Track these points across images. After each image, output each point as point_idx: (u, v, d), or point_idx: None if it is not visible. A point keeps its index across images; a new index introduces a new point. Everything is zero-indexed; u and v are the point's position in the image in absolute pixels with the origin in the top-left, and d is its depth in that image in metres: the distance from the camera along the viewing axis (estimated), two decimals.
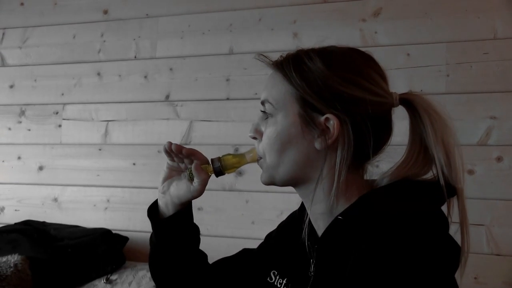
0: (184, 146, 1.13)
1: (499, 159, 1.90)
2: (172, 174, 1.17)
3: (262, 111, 1.02)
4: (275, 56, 1.02)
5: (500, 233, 1.88)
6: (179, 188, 1.12)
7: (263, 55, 1.02)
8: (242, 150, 2.18)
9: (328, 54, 0.96)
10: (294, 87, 0.95)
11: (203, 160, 1.13)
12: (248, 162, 1.10)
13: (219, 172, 1.11)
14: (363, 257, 0.81)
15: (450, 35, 1.99)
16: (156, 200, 1.17)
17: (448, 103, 1.93)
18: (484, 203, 1.89)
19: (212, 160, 1.12)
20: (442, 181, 0.90)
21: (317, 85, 0.93)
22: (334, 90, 0.92)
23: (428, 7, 2.03)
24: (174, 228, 1.13)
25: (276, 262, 1.13)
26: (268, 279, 1.11)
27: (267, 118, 1.00)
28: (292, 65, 0.96)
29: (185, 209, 1.14)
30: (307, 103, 0.94)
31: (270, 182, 1.02)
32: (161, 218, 1.14)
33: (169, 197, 1.13)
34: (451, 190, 0.91)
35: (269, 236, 1.25)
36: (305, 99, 0.94)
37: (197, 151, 1.13)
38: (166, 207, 1.14)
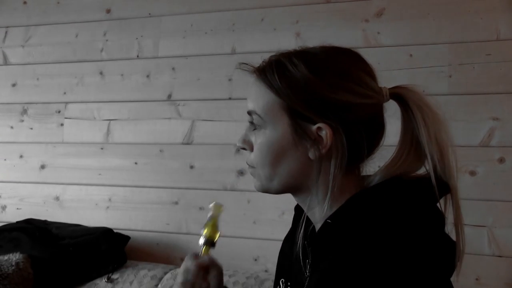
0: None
1: (501, 160, 1.89)
2: None
3: (249, 121, 0.99)
4: None
5: (502, 235, 1.87)
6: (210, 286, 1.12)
7: (244, 63, 1.00)
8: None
9: (312, 58, 0.93)
10: (281, 97, 0.92)
11: (195, 255, 1.14)
12: (219, 216, 1.18)
13: (212, 243, 1.16)
14: (351, 260, 0.80)
15: (452, 36, 1.98)
16: None
17: (450, 104, 1.93)
18: (486, 204, 1.89)
19: (199, 243, 1.16)
20: (433, 180, 0.88)
21: (304, 94, 0.90)
22: (323, 98, 0.89)
23: (431, 8, 2.02)
24: None
25: (283, 270, 1.13)
26: (278, 287, 1.12)
27: (255, 129, 0.97)
28: (276, 74, 0.93)
29: None
30: (296, 113, 0.91)
31: (264, 191, 1.00)
32: None
33: None
34: (444, 187, 0.89)
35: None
36: (294, 109, 0.91)
37: (188, 259, 1.13)
38: None
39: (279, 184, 0.96)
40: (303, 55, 0.94)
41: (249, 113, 0.98)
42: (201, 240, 1.15)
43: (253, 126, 0.98)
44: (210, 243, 1.15)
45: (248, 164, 1.01)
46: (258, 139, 0.96)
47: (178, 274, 1.13)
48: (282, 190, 0.98)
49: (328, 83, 0.89)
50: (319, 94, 0.89)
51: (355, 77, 0.91)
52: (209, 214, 1.17)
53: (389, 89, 0.94)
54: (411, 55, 2.01)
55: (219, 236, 1.17)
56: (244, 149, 1.01)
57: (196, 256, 1.13)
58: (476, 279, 1.86)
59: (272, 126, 0.94)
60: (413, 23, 2.04)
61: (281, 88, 0.91)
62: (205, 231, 1.16)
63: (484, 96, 1.93)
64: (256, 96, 0.97)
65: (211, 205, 1.17)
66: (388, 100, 0.94)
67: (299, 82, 0.90)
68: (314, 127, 0.90)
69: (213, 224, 1.16)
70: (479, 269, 1.87)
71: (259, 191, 1.01)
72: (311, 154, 0.92)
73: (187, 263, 1.11)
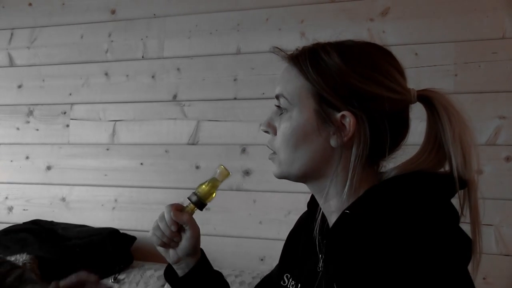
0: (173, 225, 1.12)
1: (507, 159, 1.88)
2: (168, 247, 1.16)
3: (276, 105, 1.00)
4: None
5: (509, 233, 1.87)
6: (181, 246, 1.13)
7: (278, 48, 1.00)
8: (250, 149, 2.18)
9: (346, 49, 0.95)
10: (310, 82, 0.93)
11: (178, 206, 1.13)
12: (221, 182, 1.12)
13: (201, 205, 1.11)
14: (369, 252, 0.80)
15: (458, 34, 1.98)
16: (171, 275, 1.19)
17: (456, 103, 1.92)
18: (493, 203, 1.88)
19: (188, 198, 1.12)
20: (455, 174, 0.89)
21: (334, 81, 0.91)
22: (352, 87, 0.90)
23: (436, 6, 2.02)
24: (199, 276, 1.16)
25: (288, 265, 1.13)
26: (282, 282, 1.11)
27: (281, 113, 0.98)
28: (308, 60, 0.94)
29: (201, 260, 1.17)
30: (323, 99, 0.92)
31: (283, 177, 1.00)
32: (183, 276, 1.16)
33: (185, 258, 1.14)
34: (462, 184, 0.90)
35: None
36: (321, 95, 0.92)
37: (168, 206, 1.13)
38: (187, 268, 1.15)
39: (299, 170, 0.97)
40: (337, 45, 0.97)
41: (277, 97, 0.99)
42: (192, 196, 1.11)
43: (280, 110, 0.99)
44: (199, 203, 1.11)
45: (269, 147, 1.02)
46: (283, 123, 0.97)
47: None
48: (301, 176, 0.98)
49: (358, 73, 0.91)
50: (348, 83, 0.91)
51: (385, 71, 0.93)
52: (213, 175, 1.13)
53: (417, 91, 0.95)
54: (416, 54, 2.01)
55: (211, 199, 1.12)
56: (267, 132, 1.02)
57: (177, 206, 1.12)
58: (484, 278, 1.86)
59: (298, 110, 0.95)
60: (418, 21, 2.03)
61: (311, 73, 0.93)
62: (200, 188, 1.12)
63: (490, 95, 1.92)
64: (286, 80, 0.98)
65: (219, 169, 1.13)
66: (416, 101, 0.95)
67: (329, 69, 0.92)
68: (339, 115, 0.91)
69: (212, 186, 1.11)
70: (486, 268, 1.86)
71: (277, 177, 1.01)
72: (333, 142, 0.93)
73: (164, 211, 1.12)
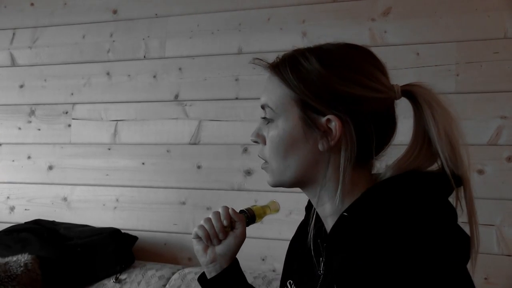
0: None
1: (509, 158, 1.88)
2: (206, 246, 1.17)
3: (263, 116, 1.01)
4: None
5: (510, 234, 1.86)
6: (224, 243, 1.15)
7: (258, 59, 1.02)
8: (251, 149, 2.19)
9: (325, 53, 0.95)
10: (293, 90, 0.94)
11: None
12: (270, 212, 1.26)
13: (251, 219, 1.21)
14: (369, 253, 0.80)
15: (460, 34, 1.98)
16: (202, 276, 1.20)
17: (457, 102, 1.91)
18: (495, 203, 1.88)
19: (245, 209, 1.22)
20: (447, 171, 0.89)
21: (315, 86, 0.92)
22: (334, 91, 0.91)
23: (438, 6, 2.02)
24: (232, 276, 1.17)
25: (291, 272, 1.14)
26: None
27: (268, 122, 0.99)
28: (288, 68, 0.95)
29: (235, 263, 1.19)
30: (307, 105, 0.93)
31: (277, 185, 1.01)
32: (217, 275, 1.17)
33: (221, 258, 1.15)
34: (457, 180, 0.90)
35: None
36: (305, 101, 0.93)
37: (224, 206, 1.19)
38: (220, 269, 1.16)
39: (291, 177, 0.98)
40: (316, 50, 0.96)
41: (263, 107, 1.00)
42: (245, 209, 1.21)
43: (266, 120, 1.00)
44: (250, 214, 1.20)
45: (260, 157, 1.03)
46: (270, 132, 0.98)
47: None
48: (294, 182, 0.99)
49: (338, 76, 0.91)
50: (329, 87, 0.91)
51: (366, 72, 0.93)
52: (266, 204, 1.26)
53: (401, 86, 0.95)
54: (418, 54, 2.01)
55: (258, 222, 1.22)
56: (256, 142, 1.03)
57: (232, 209, 1.17)
58: (485, 278, 1.85)
59: (284, 119, 0.96)
60: (419, 21, 2.03)
61: (292, 80, 0.94)
62: (254, 207, 1.23)
63: (491, 95, 1.92)
64: (269, 90, 0.99)
65: (271, 201, 1.29)
66: (400, 97, 0.95)
67: (310, 75, 0.92)
68: (324, 119, 0.92)
69: (263, 211, 1.24)
70: (488, 268, 1.86)
71: (272, 185, 1.02)
72: (320, 146, 0.93)
73: (220, 209, 1.16)
